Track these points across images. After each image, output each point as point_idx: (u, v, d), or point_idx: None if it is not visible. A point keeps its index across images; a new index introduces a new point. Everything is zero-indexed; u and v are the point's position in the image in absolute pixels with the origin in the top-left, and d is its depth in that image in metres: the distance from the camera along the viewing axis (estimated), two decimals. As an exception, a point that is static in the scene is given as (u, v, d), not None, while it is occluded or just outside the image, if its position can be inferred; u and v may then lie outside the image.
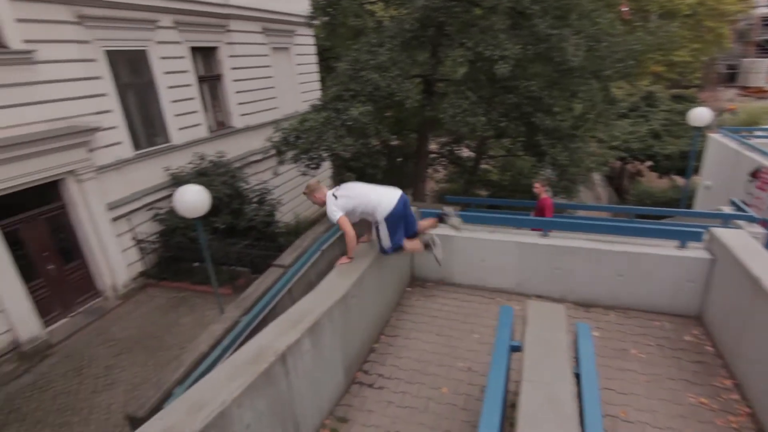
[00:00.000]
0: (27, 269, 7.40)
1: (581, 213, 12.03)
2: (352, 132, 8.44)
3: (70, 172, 7.70)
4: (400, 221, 4.37)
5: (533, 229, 6.06)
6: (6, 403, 6.32)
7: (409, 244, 4.62)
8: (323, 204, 4.37)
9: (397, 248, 4.49)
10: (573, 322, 3.85)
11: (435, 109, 9.35)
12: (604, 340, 4.88)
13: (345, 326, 4.18)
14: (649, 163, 21.29)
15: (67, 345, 7.56)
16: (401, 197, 4.29)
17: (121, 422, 5.85)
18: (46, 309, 7.70)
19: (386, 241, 4.41)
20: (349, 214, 4.23)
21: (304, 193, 4.38)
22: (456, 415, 4.10)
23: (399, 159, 13.98)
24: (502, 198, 12.08)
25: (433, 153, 14.45)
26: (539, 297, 5.65)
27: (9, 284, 6.87)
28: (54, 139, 7.22)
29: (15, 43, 6.81)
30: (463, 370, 4.64)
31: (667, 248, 5.06)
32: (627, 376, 4.40)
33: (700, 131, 10.17)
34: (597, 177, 23.58)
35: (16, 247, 7.21)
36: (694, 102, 20.91)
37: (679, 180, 21.10)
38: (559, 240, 5.48)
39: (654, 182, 23.10)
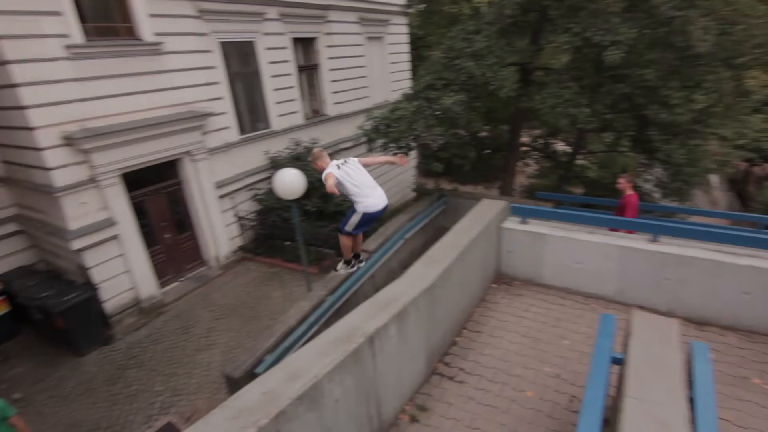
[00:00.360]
0: (149, 236, 8.45)
1: (694, 219, 10.71)
2: (443, 122, 8.31)
3: (187, 152, 8.61)
4: (370, 221, 4.45)
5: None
6: (128, 350, 7.32)
7: (351, 241, 4.68)
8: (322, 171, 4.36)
9: (348, 235, 4.55)
10: (685, 340, 3.47)
11: (531, 99, 8.84)
12: (720, 364, 4.33)
13: (429, 316, 4.18)
14: (784, 166, 18.24)
15: (177, 305, 8.53)
16: (386, 205, 4.38)
17: (218, 380, 6.46)
18: (161, 272, 8.75)
19: (349, 227, 4.41)
20: (338, 184, 4.18)
21: (309, 160, 4.55)
22: (541, 421, 3.93)
23: (487, 151, 13.53)
24: (600, 197, 11.15)
25: (525, 146, 13.74)
26: (641, 308, 5.16)
27: (135, 248, 7.91)
28: (176, 123, 8.10)
29: (147, 36, 7.71)
30: (550, 375, 4.42)
31: (811, 267, 4.32)
32: (747, 407, 3.87)
33: None
34: (715, 179, 20.78)
35: (141, 216, 8.26)
36: None
37: (824, 187, 17.81)
38: (670, 247, 4.94)
39: (789, 189, 19.76)
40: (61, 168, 6.80)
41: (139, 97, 7.69)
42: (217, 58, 9.03)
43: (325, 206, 9.97)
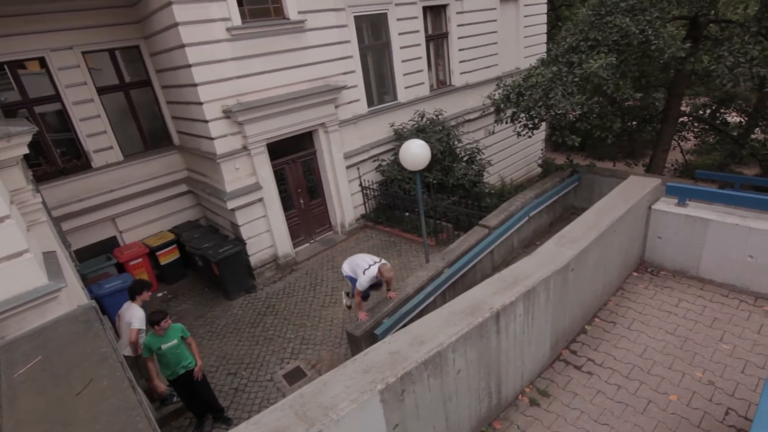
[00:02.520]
0: (286, 201, 9.37)
1: None
2: (584, 89, 7.47)
3: (322, 124, 9.22)
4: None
5: None
6: (267, 300, 8.33)
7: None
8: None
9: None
10: None
11: (700, 60, 7.40)
12: None
13: (560, 299, 3.91)
14: None
15: (307, 264, 9.39)
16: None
17: (340, 335, 7.01)
18: (295, 234, 9.69)
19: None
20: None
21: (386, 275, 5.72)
22: (686, 430, 3.46)
23: (633, 122, 11.85)
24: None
25: (685, 116, 11.68)
26: (841, 319, 4.13)
27: (275, 211, 8.86)
28: (314, 96, 8.69)
29: (293, 14, 8.29)
30: (702, 382, 3.84)
31: None
32: None
33: None
34: None
35: (281, 182, 9.18)
36: None
37: None
38: None
39: None
40: (221, 138, 7.84)
41: (284, 72, 8.38)
42: (351, 32, 9.35)
43: (445, 179, 9.89)
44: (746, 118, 11.67)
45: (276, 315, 7.80)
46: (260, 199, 8.51)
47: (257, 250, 8.81)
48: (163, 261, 8.78)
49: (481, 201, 9.87)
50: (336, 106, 9.27)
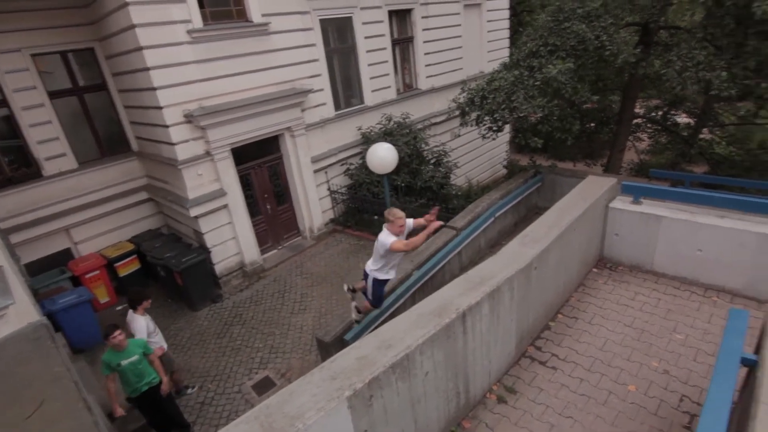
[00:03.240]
0: (252, 207, 9.20)
1: None
2: (544, 92, 7.72)
3: (288, 128, 9.12)
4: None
5: None
6: (233, 309, 8.14)
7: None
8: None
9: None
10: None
11: (652, 64, 7.79)
12: None
13: (523, 297, 4.01)
14: None
15: (275, 271, 9.25)
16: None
17: (310, 342, 6.94)
18: (262, 240, 9.52)
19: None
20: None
21: (391, 220, 4.61)
22: (644, 418, 3.62)
23: (591, 124, 12.33)
24: (730, 178, 9.63)
25: (639, 118, 12.26)
26: (780, 306, 4.43)
27: (241, 217, 8.68)
28: (280, 100, 8.59)
29: (256, 17, 8.17)
30: (658, 371, 4.03)
31: None
32: None
33: None
34: None
35: (246, 188, 9.00)
36: None
37: None
38: (827, 237, 4.12)
39: None
40: (182, 143, 7.62)
41: (248, 76, 8.24)
42: (317, 36, 9.31)
43: (413, 181, 9.97)
44: (695, 120, 12.36)
45: (243, 324, 7.64)
46: (225, 206, 8.32)
47: (223, 258, 8.60)
48: (123, 272, 8.43)
49: (449, 203, 10.01)
50: (302, 110, 9.20)
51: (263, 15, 8.21)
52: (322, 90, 9.61)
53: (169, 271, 7.87)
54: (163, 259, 7.86)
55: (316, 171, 9.84)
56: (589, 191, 5.09)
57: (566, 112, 8.51)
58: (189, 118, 7.51)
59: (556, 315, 4.87)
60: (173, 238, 8.88)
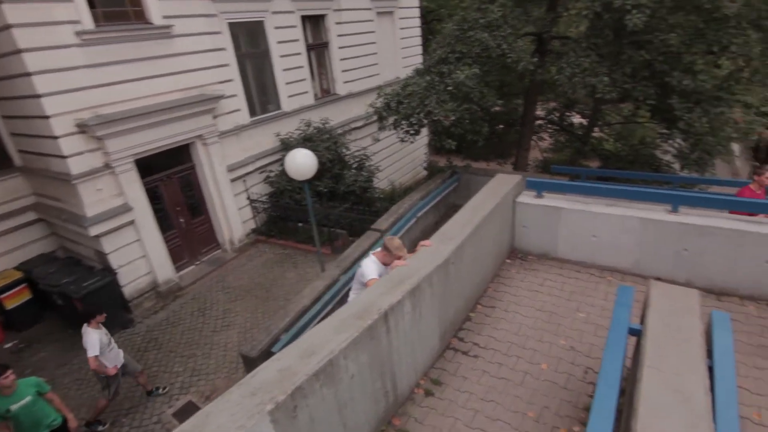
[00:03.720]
0: (164, 221, 8.58)
1: (715, 190, 10.39)
2: (455, 97, 8.13)
3: (199, 136, 8.63)
4: None
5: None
6: (147, 333, 7.52)
7: None
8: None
9: None
10: (704, 310, 3.39)
11: (548, 70, 8.56)
12: (740, 333, 4.25)
13: (443, 292, 4.17)
14: (813, 133, 17.45)
15: (194, 288, 8.70)
16: None
17: (236, 359, 6.62)
18: (177, 256, 8.91)
19: None
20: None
21: (389, 248, 4.14)
22: (556, 393, 3.93)
23: (500, 126, 13.25)
24: (618, 170, 10.88)
25: (540, 119, 13.41)
26: (659, 279, 5.06)
27: (151, 233, 8.04)
28: (188, 107, 8.10)
29: (157, 19, 7.65)
30: (565, 348, 4.40)
31: (840, 234, 4.15)
32: (766, 375, 3.81)
33: None
34: (737, 149, 20.08)
35: (156, 201, 8.37)
36: None
37: None
38: (690, 217, 4.80)
39: (817, 157, 19.03)
40: (76, 155, 6.89)
41: (151, 81, 7.69)
42: (226, 40, 8.95)
43: (336, 186, 9.96)
44: (587, 120, 13.77)
45: (160, 349, 7.09)
46: (131, 222, 7.67)
47: (132, 279, 7.92)
48: (10, 304, 7.42)
49: (373, 206, 10.14)
50: (214, 117, 8.78)
51: (165, 17, 7.72)
52: (235, 96, 9.26)
53: (67, 298, 7.05)
54: (59, 286, 7.03)
55: (233, 180, 9.44)
56: (498, 188, 5.45)
57: (476, 115, 9.04)
58: (83, 128, 6.83)
59: (475, 306, 5.13)
60: (71, 262, 7.98)
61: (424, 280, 3.73)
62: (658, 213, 4.96)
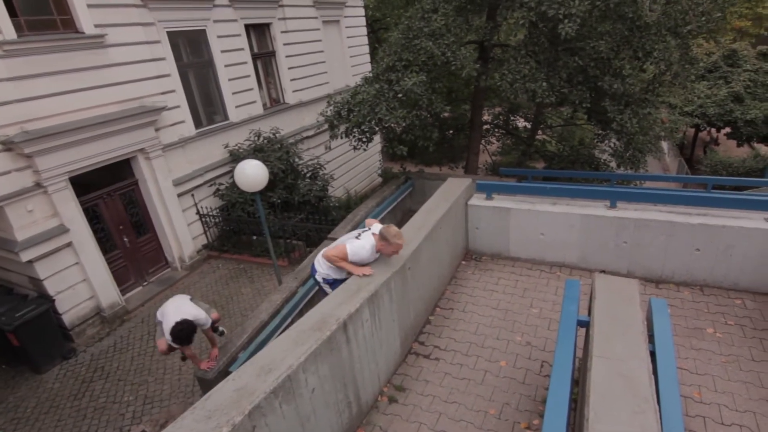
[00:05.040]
0: (105, 242, 8.06)
1: (649, 185, 11.21)
2: (405, 104, 8.25)
3: (141, 150, 8.19)
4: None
5: None
6: (92, 363, 7.01)
7: None
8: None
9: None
10: (644, 298, 3.63)
11: (491, 77, 8.90)
12: (677, 318, 4.58)
13: (402, 297, 4.19)
14: (726, 129, 19.29)
15: (142, 311, 8.22)
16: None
17: (191, 383, 6.31)
18: (122, 278, 8.38)
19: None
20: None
21: (388, 238, 3.80)
22: (515, 388, 4.05)
23: (450, 131, 13.60)
24: (561, 170, 11.48)
25: (487, 124, 13.90)
26: (603, 272, 5.37)
27: (91, 256, 7.50)
28: (127, 119, 7.67)
29: (88, 28, 7.20)
30: (522, 344, 4.55)
31: (754, 221, 4.59)
32: (702, 356, 4.13)
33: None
34: (666, 146, 21.80)
35: (95, 221, 7.85)
36: (786, 59, 18.53)
37: (762, 148, 19.01)
38: (627, 212, 5.13)
39: (732, 151, 21.01)
40: (2, 175, 6.35)
41: (85, 94, 7.23)
42: (166, 49, 8.59)
43: (290, 197, 9.80)
44: (530, 123, 14.41)
45: (107, 378, 6.64)
46: (68, 244, 7.15)
47: (72, 306, 7.38)
48: (-72, 343, 6.67)
49: (329, 215, 10.06)
50: (157, 129, 8.39)
51: (97, 26, 7.31)
52: (178, 107, 8.89)
53: (-3, 331, 6.45)
54: (-14, 319, 6.41)
55: (180, 194, 9.04)
56: (449, 192, 5.58)
57: (426, 121, 9.22)
58: (8, 145, 6.31)
59: (434, 309, 5.21)
60: (2, 291, 7.31)
61: (382, 286, 3.74)
62: (598, 209, 5.27)
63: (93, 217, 7.77)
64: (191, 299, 5.27)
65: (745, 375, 3.87)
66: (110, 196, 8.13)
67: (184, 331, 4.64)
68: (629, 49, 8.17)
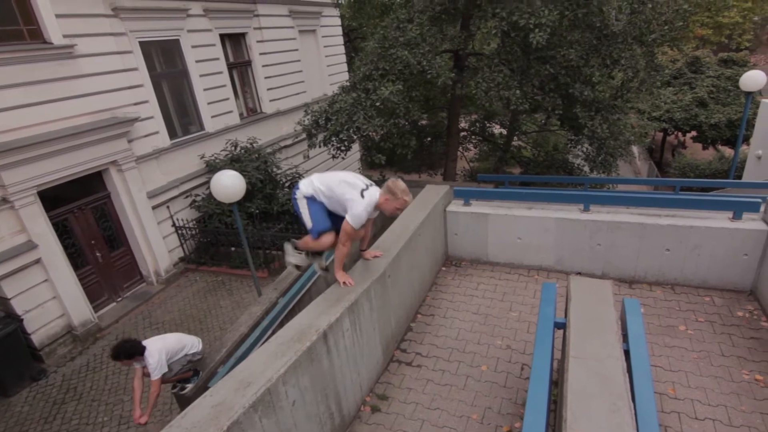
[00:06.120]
0: (77, 257, 7.82)
1: (621, 188, 11.56)
2: (382, 112, 8.32)
3: (113, 162, 8.01)
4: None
5: None
6: (64, 383, 6.75)
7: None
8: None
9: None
10: (618, 298, 3.72)
11: (467, 85, 9.07)
12: (650, 316, 4.70)
13: (382, 305, 4.19)
14: (692, 133, 20.10)
15: (117, 328, 7.98)
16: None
17: (168, 400, 6.13)
18: (95, 294, 8.13)
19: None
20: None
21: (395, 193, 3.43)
22: (496, 392, 4.07)
23: (428, 139, 13.75)
24: (537, 175, 11.74)
25: (464, 131, 14.12)
26: (579, 274, 5.48)
27: (61, 272, 7.25)
28: (98, 131, 7.50)
29: (57, 38, 7.04)
30: (502, 348, 4.59)
31: (719, 220, 4.77)
32: (675, 353, 4.24)
33: (752, 97, 9.47)
34: (636, 150, 22.54)
35: (66, 236, 7.61)
36: (745, 66, 19.46)
37: (726, 150, 19.85)
38: (600, 215, 5.26)
39: (698, 154, 21.87)
40: (-36, 190, 6.12)
41: (53, 105, 7.06)
42: (138, 59, 8.46)
43: (269, 207, 9.72)
44: (506, 130, 14.71)
45: (80, 399, 6.41)
46: (37, 261, 6.91)
47: (42, 325, 7.12)
48: None
49: (308, 224, 9.99)
50: (130, 141, 8.22)
51: (65, 36, 7.15)
52: (151, 118, 8.75)
53: (-41, 354, 6.16)
54: (-52, 342, 6.12)
55: (155, 207, 8.85)
56: (427, 199, 5.62)
57: (404, 129, 9.31)
58: (-29, 160, 6.08)
59: (415, 316, 5.21)
60: (-37, 312, 6.99)
61: (362, 295, 3.73)
62: (572, 213, 5.39)
63: (63, 232, 7.54)
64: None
65: (716, 370, 3.99)
66: (81, 210, 7.90)
67: (123, 344, 4.64)
68: (598, 57, 8.47)
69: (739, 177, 13.16)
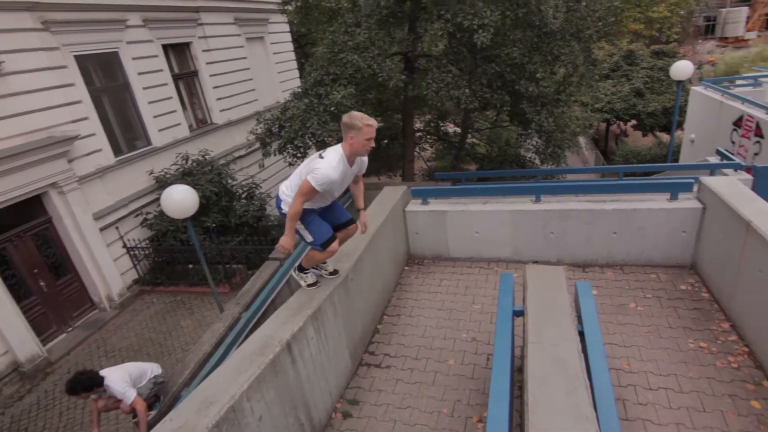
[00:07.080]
0: (18, 288, 7.27)
1: (570, 178, 12.09)
2: (336, 117, 8.29)
3: (52, 184, 7.52)
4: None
5: None
6: (13, 425, 6.26)
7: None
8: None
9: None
10: (572, 282, 3.89)
11: (418, 86, 9.21)
12: (604, 297, 4.95)
13: (347, 310, 4.17)
14: (632, 122, 21.35)
15: (68, 360, 7.50)
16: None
17: (130, 429, 5.83)
18: (42, 327, 7.58)
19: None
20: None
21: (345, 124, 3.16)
22: (464, 384, 4.15)
23: (384, 141, 13.85)
24: (491, 170, 12.08)
25: (419, 131, 14.32)
26: (536, 262, 5.69)
27: (1, 306, 6.70)
28: (32, 152, 7.01)
29: (-22, 55, 6.59)
30: (467, 340, 4.69)
31: (658, 202, 5.09)
32: (628, 329, 4.48)
33: (682, 85, 10.18)
34: (583, 141, 23.67)
35: (4, 266, 7.09)
36: (674, 57, 20.89)
37: (664, 136, 21.22)
38: (551, 204, 5.49)
39: (639, 141, 23.23)
40: None
41: (-22, 127, 6.56)
42: (74, 74, 8.01)
43: (226, 219, 9.45)
44: (460, 128, 15.04)
45: (32, 440, 5.97)
46: (-29, 296, 6.38)
47: (-19, 364, 6.57)
48: None
49: (269, 234, 9.80)
50: (70, 161, 7.79)
51: (-11, 53, 6.68)
52: (93, 135, 8.31)
53: None
54: None
55: (103, 228, 8.41)
56: (386, 200, 5.66)
57: (359, 132, 9.31)
58: None
59: (382, 317, 5.22)
60: None
61: (325, 301, 3.70)
62: (525, 204, 5.59)
63: (2, 262, 7.02)
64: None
65: (665, 342, 4.25)
66: (20, 238, 7.39)
67: (80, 377, 4.44)
68: (540, 54, 8.82)
69: (677, 160, 14.12)
